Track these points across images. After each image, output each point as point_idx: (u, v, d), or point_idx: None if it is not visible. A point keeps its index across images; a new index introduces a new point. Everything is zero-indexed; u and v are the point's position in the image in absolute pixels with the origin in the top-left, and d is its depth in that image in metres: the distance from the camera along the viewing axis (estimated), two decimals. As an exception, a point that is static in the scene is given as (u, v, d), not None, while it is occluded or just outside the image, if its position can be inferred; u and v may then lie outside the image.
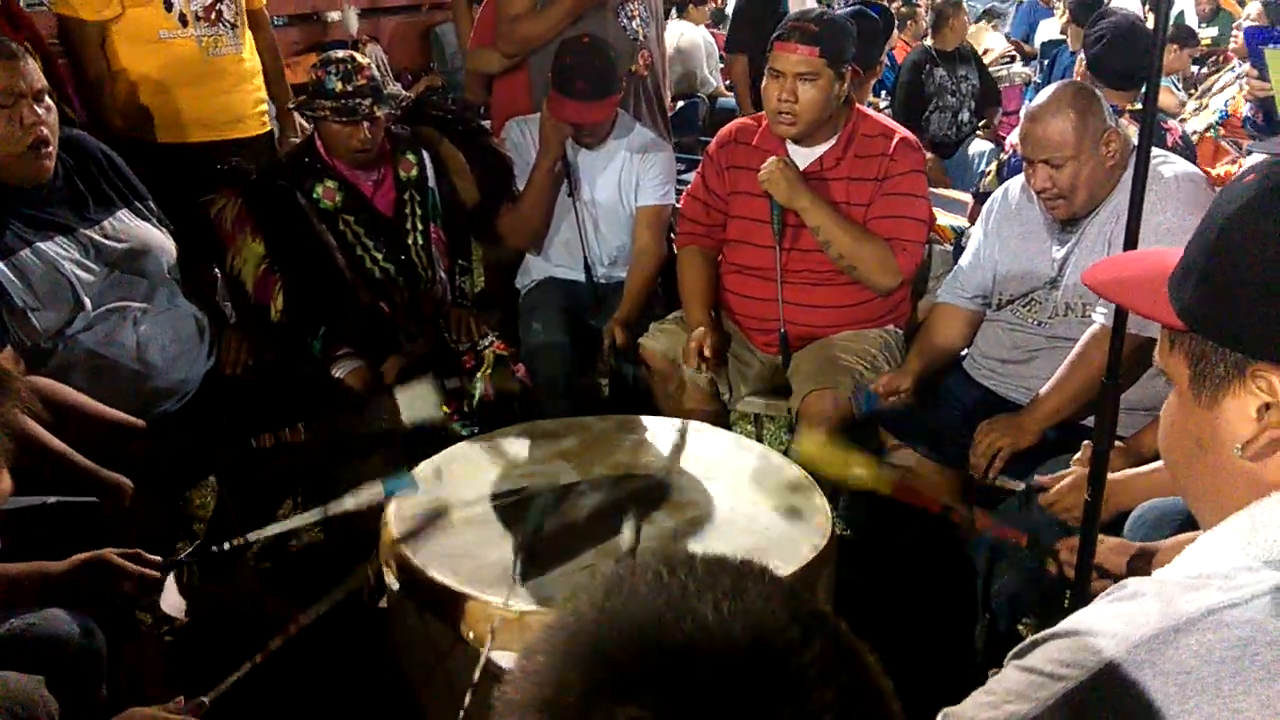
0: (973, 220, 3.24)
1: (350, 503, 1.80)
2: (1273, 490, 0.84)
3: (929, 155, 3.96)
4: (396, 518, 1.86)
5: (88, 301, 2.17)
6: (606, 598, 0.62)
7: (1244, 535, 0.83)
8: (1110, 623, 0.80)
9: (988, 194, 2.81)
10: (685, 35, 6.68)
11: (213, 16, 3.04)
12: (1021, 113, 6.24)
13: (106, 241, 2.25)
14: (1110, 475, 1.64)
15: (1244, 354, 0.84)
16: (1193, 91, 5.46)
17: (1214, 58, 6.40)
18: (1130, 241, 1.55)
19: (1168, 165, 2.25)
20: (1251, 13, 5.04)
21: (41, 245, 2.13)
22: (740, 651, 0.58)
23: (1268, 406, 0.84)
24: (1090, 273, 1.06)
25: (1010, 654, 0.86)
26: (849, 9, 3.54)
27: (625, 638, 0.58)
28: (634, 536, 1.62)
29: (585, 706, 0.56)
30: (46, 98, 2.14)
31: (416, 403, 2.16)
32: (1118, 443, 2.04)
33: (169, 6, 2.97)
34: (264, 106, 3.31)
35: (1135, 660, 0.76)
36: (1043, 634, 0.84)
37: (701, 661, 0.57)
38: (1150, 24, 3.28)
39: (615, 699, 0.56)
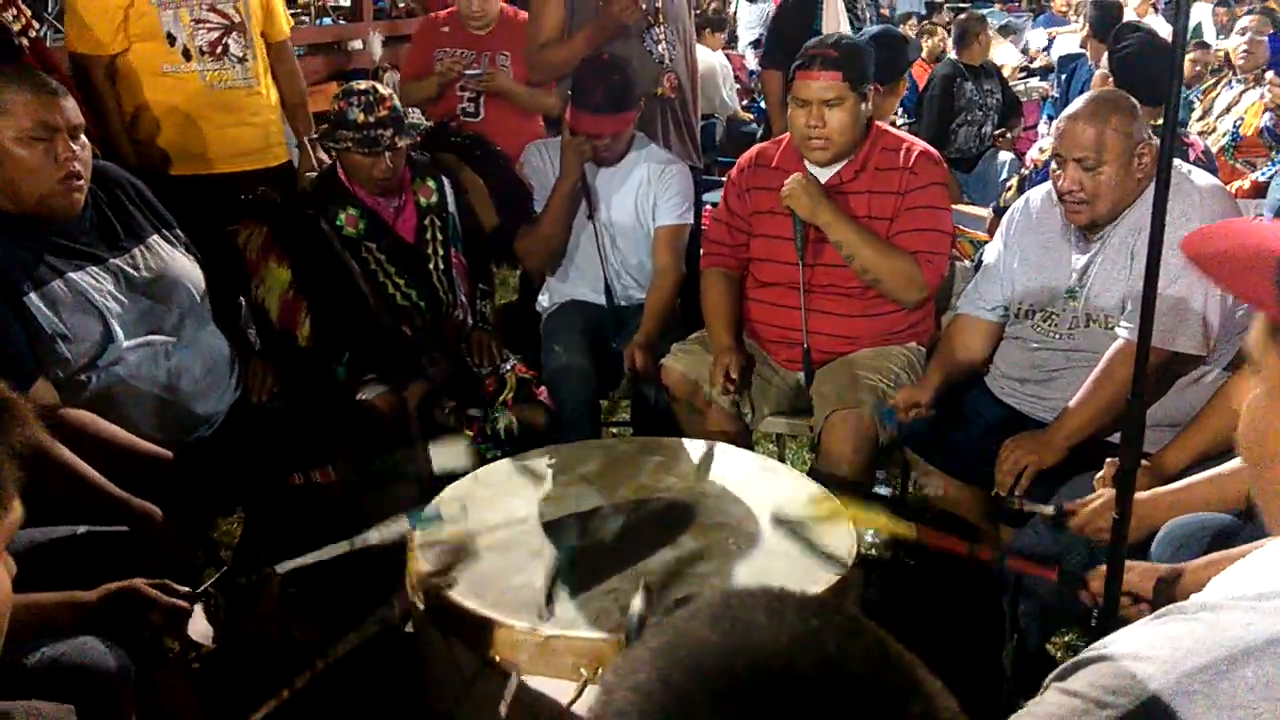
0: (991, 235, 3.24)
1: (375, 537, 1.81)
2: None
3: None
4: (422, 543, 1.86)
5: (119, 332, 2.19)
6: (722, 625, 0.62)
7: None
8: (1160, 648, 0.75)
9: (1008, 209, 2.81)
10: (702, 60, 6.73)
11: (218, 51, 3.05)
12: (1040, 127, 6.23)
13: (137, 271, 2.27)
14: (1137, 495, 1.62)
15: None
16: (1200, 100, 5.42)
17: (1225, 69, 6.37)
18: (1153, 253, 1.54)
19: (1197, 177, 2.25)
20: (1246, 22, 4.98)
21: (73, 276, 2.16)
22: (864, 690, 0.58)
23: None
24: (1189, 242, 0.96)
25: (1052, 675, 0.82)
26: (874, 28, 3.55)
27: (755, 668, 0.59)
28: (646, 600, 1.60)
29: None
30: (82, 135, 2.17)
31: (448, 456, 2.17)
32: (1144, 463, 2.02)
33: (172, 41, 2.99)
34: (280, 138, 3.32)
35: (1186, 690, 0.72)
36: (1087, 654, 0.80)
37: (825, 693, 0.58)
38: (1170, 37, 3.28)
39: None
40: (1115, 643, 0.79)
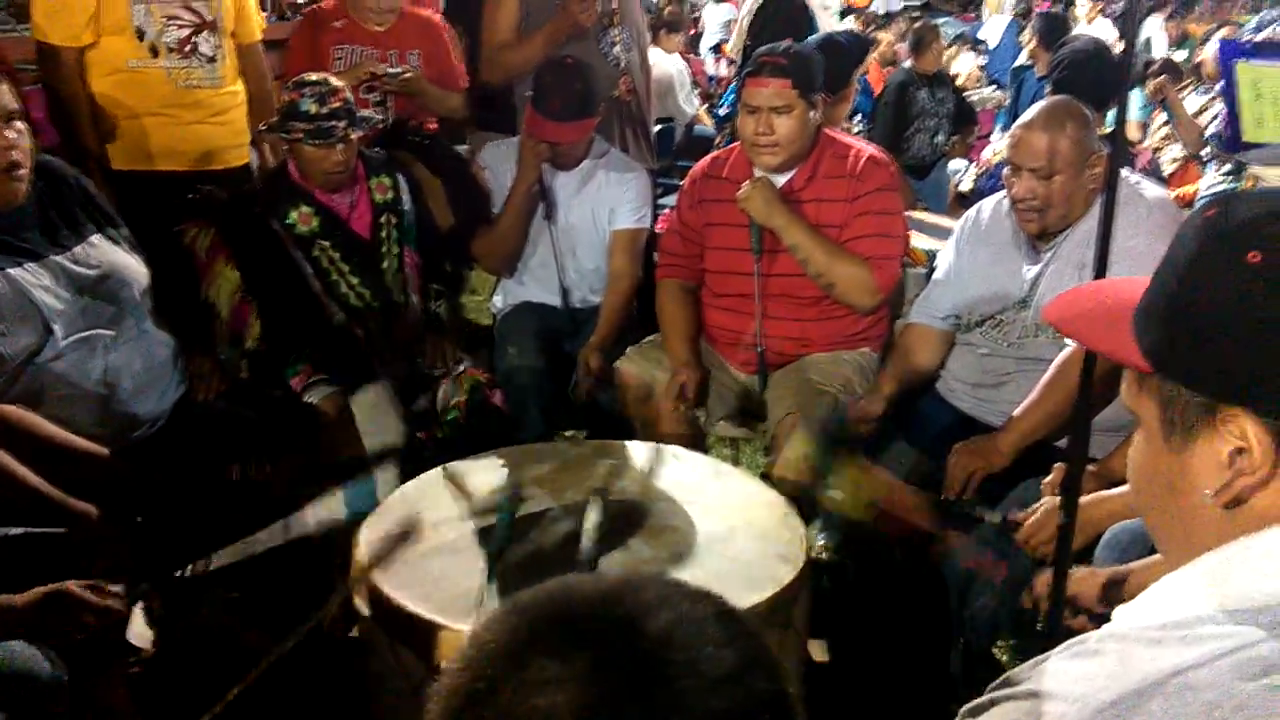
0: (953, 203, 3.26)
1: (312, 521, 1.77)
2: (1243, 536, 0.80)
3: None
4: (367, 544, 1.84)
5: (58, 328, 2.14)
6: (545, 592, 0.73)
7: (1209, 581, 0.79)
8: (1071, 685, 0.76)
9: (962, 194, 2.83)
10: (659, 65, 6.69)
11: (187, 49, 2.99)
12: (994, 134, 6.28)
13: (77, 268, 2.22)
14: (1082, 499, 1.64)
15: (1213, 397, 0.81)
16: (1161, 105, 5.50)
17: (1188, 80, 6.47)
18: (1100, 263, 1.56)
19: (1146, 189, 2.28)
20: (1224, 33, 5.08)
21: (11, 271, 2.10)
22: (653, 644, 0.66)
23: (1240, 451, 0.80)
24: (1051, 308, 1.01)
25: (964, 710, 0.82)
26: (818, 36, 3.55)
27: (560, 608, 0.70)
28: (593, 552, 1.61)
29: (508, 655, 0.67)
30: (18, 121, 2.11)
31: (379, 427, 2.13)
32: (1091, 467, 2.05)
33: (141, 35, 2.92)
34: (244, 140, 3.26)
35: None
36: (999, 692, 0.80)
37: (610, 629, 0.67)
38: (1117, 49, 3.33)
39: (537, 652, 0.66)
40: (1025, 680, 0.79)
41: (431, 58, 3.50)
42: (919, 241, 3.26)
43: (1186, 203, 3.75)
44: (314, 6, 3.60)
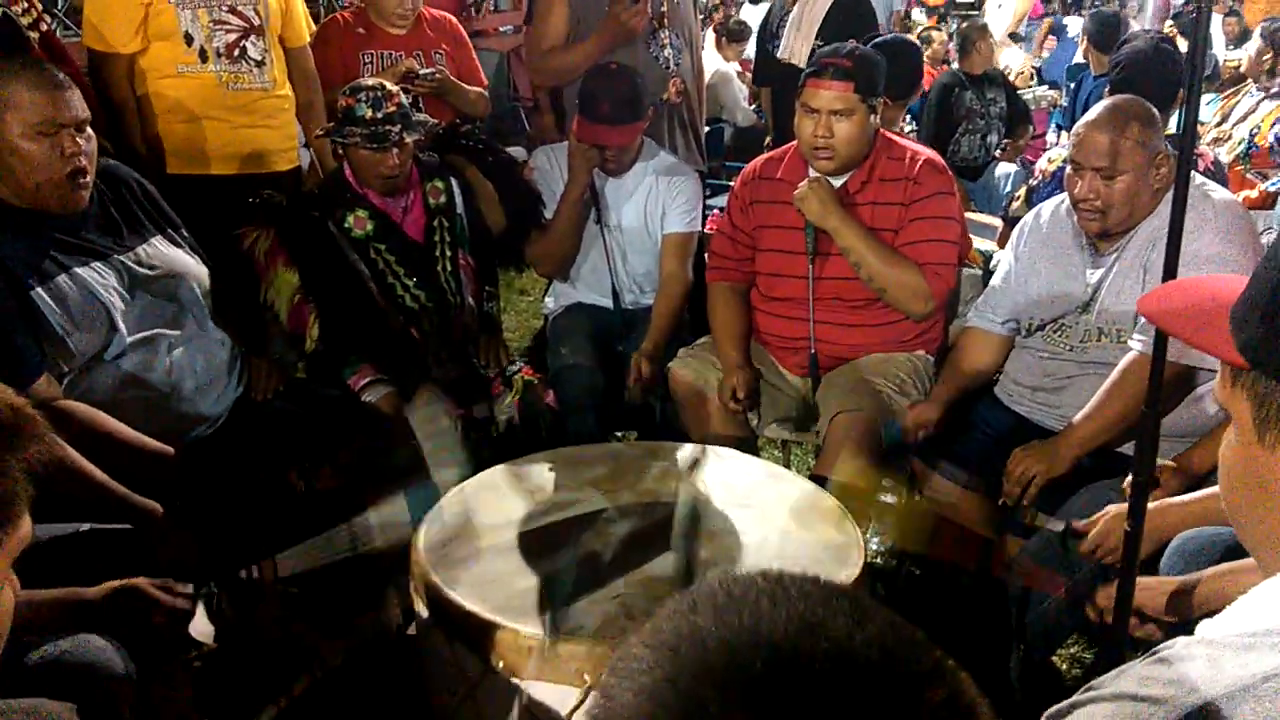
0: (1002, 244, 3.22)
1: (378, 534, 1.80)
2: None
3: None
4: (425, 545, 1.85)
5: (123, 327, 2.19)
6: (725, 617, 0.60)
7: None
8: (1157, 689, 0.74)
9: (1017, 219, 2.80)
10: (718, 70, 6.71)
11: (235, 54, 3.00)
12: (1049, 136, 6.15)
13: (140, 268, 2.27)
14: (1148, 506, 1.60)
15: None
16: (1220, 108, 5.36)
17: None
18: (1169, 267, 1.53)
19: (1213, 191, 2.23)
20: (1252, 50, 4.91)
21: (78, 271, 2.15)
22: (880, 676, 0.58)
23: None
24: (1144, 302, 1.00)
25: (1047, 714, 0.81)
26: (888, 36, 3.50)
27: (765, 661, 0.57)
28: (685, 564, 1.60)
29: None
30: (88, 129, 2.16)
31: (430, 424, 2.15)
32: (1170, 463, 2.01)
33: (189, 40, 2.95)
34: (294, 144, 3.27)
35: None
36: (1083, 696, 0.79)
37: (840, 680, 0.57)
38: (1181, 47, 3.25)
39: (757, 716, 0.55)
40: (1112, 684, 0.78)
41: (454, 56, 3.51)
42: (975, 243, 3.22)
43: (1253, 206, 3.65)
44: (328, 19, 3.63)
